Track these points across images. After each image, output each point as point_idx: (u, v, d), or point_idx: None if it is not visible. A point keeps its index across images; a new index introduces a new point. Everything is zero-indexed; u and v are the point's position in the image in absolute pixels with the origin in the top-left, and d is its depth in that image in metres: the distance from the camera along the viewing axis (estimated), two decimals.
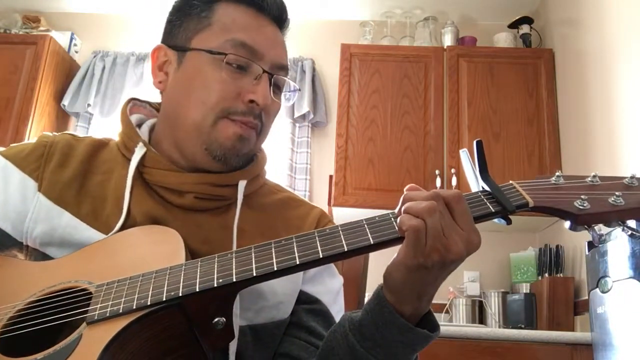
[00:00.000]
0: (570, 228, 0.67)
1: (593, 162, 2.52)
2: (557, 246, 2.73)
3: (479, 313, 2.84)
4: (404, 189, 0.68)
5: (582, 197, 0.66)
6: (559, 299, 2.59)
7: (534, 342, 2.23)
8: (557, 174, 0.70)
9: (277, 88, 0.84)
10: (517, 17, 3.24)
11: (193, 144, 0.80)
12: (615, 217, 0.66)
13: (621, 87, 2.30)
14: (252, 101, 0.78)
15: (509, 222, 0.67)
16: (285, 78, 0.84)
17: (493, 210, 0.66)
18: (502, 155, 2.86)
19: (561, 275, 2.68)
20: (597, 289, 2.03)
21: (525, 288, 2.82)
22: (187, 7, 0.84)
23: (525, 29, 3.23)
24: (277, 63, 0.82)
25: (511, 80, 3.01)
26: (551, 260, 2.72)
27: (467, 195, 0.68)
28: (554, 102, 2.96)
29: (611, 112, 2.37)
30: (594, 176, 0.69)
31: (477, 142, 0.70)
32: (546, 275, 2.71)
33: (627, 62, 2.27)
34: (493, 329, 2.54)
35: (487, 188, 0.68)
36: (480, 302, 2.86)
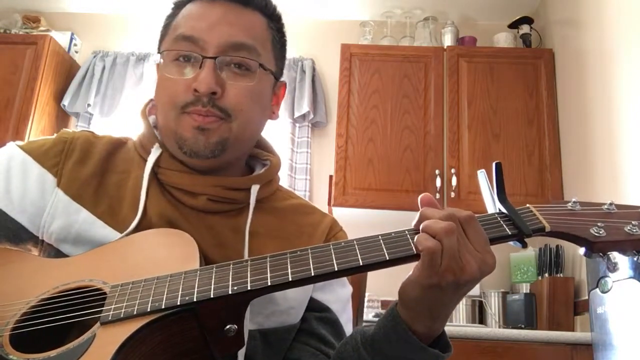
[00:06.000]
0: (585, 255, 0.68)
1: (593, 162, 2.52)
2: (557, 246, 2.73)
3: (479, 313, 2.84)
4: (419, 198, 0.68)
5: (599, 224, 0.67)
6: (559, 299, 2.59)
7: (534, 342, 2.23)
8: (573, 199, 0.71)
9: (238, 67, 0.79)
10: (517, 17, 3.24)
11: (172, 145, 0.81)
12: (630, 246, 0.67)
13: (621, 87, 2.30)
14: (196, 90, 0.77)
15: (524, 245, 0.68)
16: (239, 57, 0.79)
17: (509, 233, 0.67)
18: (502, 155, 2.86)
19: (561, 275, 2.68)
20: (597, 289, 2.03)
21: (525, 288, 2.82)
22: (165, 19, 0.87)
23: (525, 29, 3.23)
24: (224, 43, 0.78)
25: (511, 80, 3.01)
26: (551, 260, 2.72)
27: (483, 216, 0.69)
28: (554, 102, 2.96)
29: (611, 111, 2.37)
30: (611, 204, 0.70)
31: (497, 164, 0.70)
32: (546, 275, 2.71)
33: (627, 62, 2.27)
34: (493, 329, 2.54)
35: (504, 210, 0.69)
36: (480, 302, 2.86)
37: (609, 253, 0.67)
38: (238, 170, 0.89)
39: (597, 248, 0.66)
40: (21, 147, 0.83)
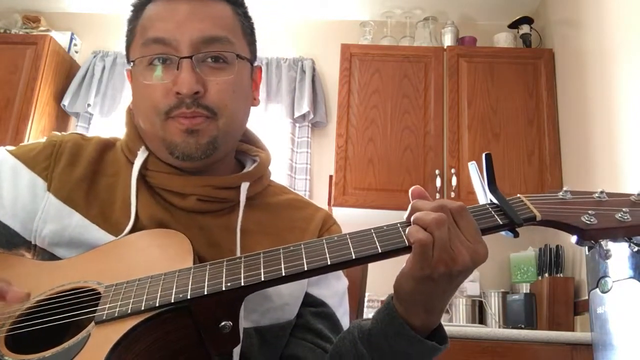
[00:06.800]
0: (577, 243, 0.68)
1: (593, 162, 2.52)
2: (557, 246, 2.73)
3: (479, 313, 2.84)
4: (409, 191, 0.68)
5: (590, 212, 0.67)
6: (559, 299, 2.59)
7: (534, 342, 2.23)
8: (564, 188, 0.71)
9: (215, 61, 0.78)
10: (517, 17, 3.24)
11: (161, 151, 0.80)
12: (621, 233, 0.67)
13: (621, 87, 2.30)
14: (178, 93, 0.75)
15: (516, 234, 0.68)
16: (214, 51, 0.78)
17: (501, 223, 0.67)
18: (502, 155, 2.86)
19: (561, 275, 2.68)
20: (597, 289, 2.03)
21: (525, 288, 2.82)
22: (128, 24, 0.85)
23: (525, 29, 3.23)
24: (196, 40, 0.77)
25: (511, 80, 3.01)
26: (551, 260, 2.72)
27: (475, 207, 0.69)
28: (554, 102, 2.96)
29: (611, 112, 2.37)
30: (601, 192, 0.70)
31: (486, 155, 0.70)
32: (546, 275, 2.71)
33: (627, 62, 2.27)
34: (493, 329, 2.54)
35: (495, 201, 0.69)
36: (480, 302, 2.86)
37: (600, 240, 0.67)
38: (227, 167, 0.88)
39: (588, 236, 0.67)
40: (11, 152, 0.83)
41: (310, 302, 0.85)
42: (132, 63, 0.81)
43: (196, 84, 0.75)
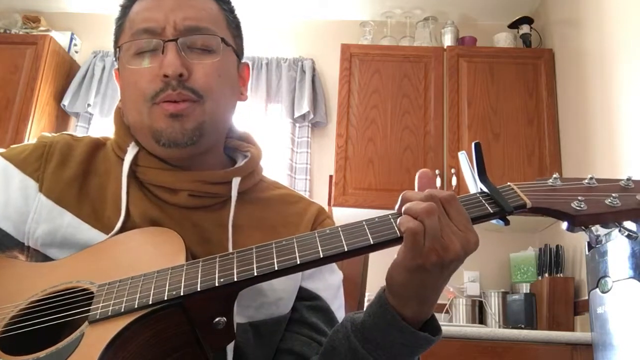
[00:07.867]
0: (568, 229, 0.68)
1: (593, 162, 2.52)
2: (557, 246, 2.73)
3: (479, 313, 2.84)
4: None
5: (579, 198, 0.67)
6: (559, 299, 2.59)
7: (534, 342, 2.23)
8: (554, 176, 0.71)
9: (201, 49, 0.80)
10: (517, 17, 3.24)
11: (148, 141, 0.81)
12: (611, 218, 0.67)
13: (621, 87, 2.30)
14: (165, 75, 0.77)
15: (507, 223, 0.68)
16: (200, 35, 0.80)
17: (491, 211, 0.67)
18: (502, 155, 2.86)
19: (561, 275, 2.68)
20: (597, 289, 2.03)
21: (525, 288, 2.82)
22: (116, 22, 0.88)
23: (525, 29, 3.24)
24: (181, 27, 0.79)
25: (511, 80, 3.01)
26: (551, 260, 2.72)
27: (465, 196, 0.69)
28: (554, 102, 2.96)
29: (611, 112, 2.37)
30: (591, 178, 0.70)
31: (476, 144, 0.71)
32: (546, 275, 2.71)
33: (627, 62, 2.27)
34: (493, 329, 2.54)
35: (485, 189, 0.69)
36: (480, 302, 2.86)
37: (591, 226, 0.68)
38: (218, 162, 0.88)
39: (578, 221, 0.67)
40: (1, 155, 0.83)
41: (304, 296, 0.85)
42: (119, 49, 0.83)
43: (181, 66, 0.77)
